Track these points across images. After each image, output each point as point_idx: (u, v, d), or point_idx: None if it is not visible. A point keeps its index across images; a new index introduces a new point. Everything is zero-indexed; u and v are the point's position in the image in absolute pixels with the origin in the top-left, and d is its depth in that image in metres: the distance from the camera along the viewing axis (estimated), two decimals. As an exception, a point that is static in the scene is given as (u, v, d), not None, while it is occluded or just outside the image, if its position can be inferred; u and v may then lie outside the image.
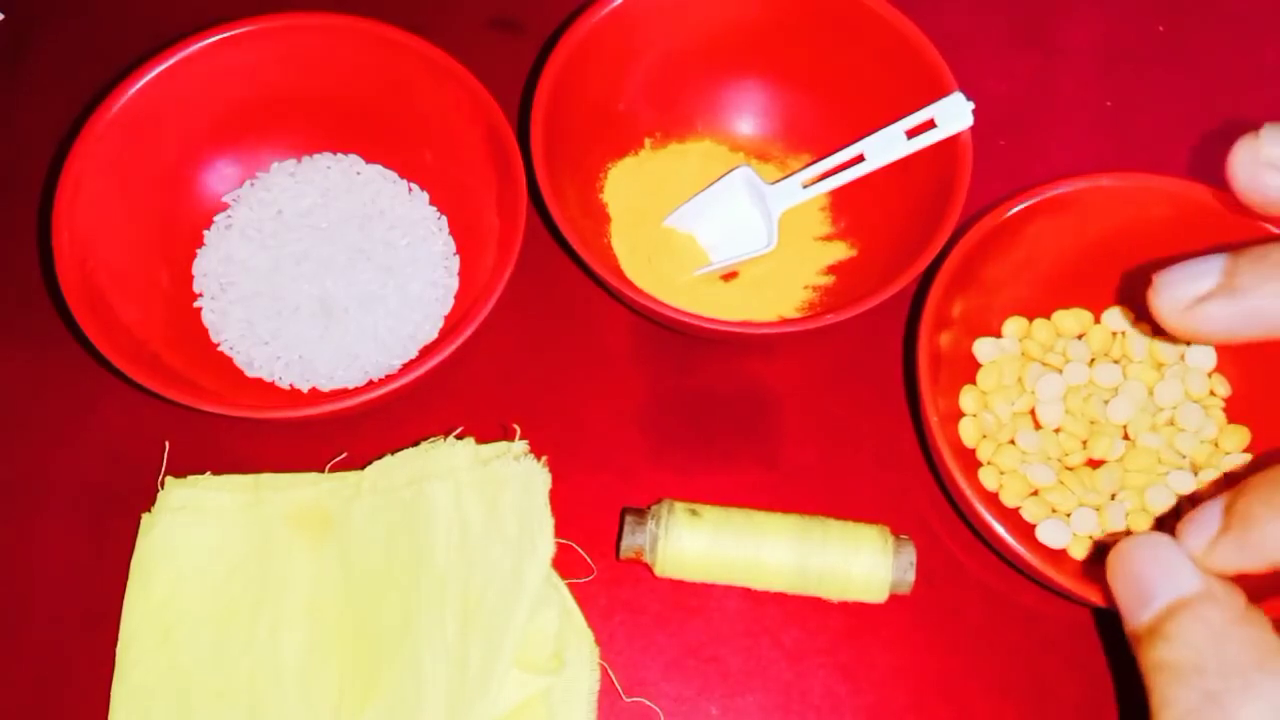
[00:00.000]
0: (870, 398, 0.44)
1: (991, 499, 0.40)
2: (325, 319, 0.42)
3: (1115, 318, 0.43)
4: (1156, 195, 0.40)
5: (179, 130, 0.42)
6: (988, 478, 0.41)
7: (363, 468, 0.41)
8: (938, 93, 0.41)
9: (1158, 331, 0.43)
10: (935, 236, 0.39)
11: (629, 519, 0.39)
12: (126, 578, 0.39)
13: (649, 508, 0.40)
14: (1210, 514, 0.27)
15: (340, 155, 0.45)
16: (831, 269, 0.45)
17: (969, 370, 0.43)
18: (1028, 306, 0.43)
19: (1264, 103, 0.50)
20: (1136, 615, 0.28)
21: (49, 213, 0.38)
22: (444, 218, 0.45)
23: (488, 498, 0.38)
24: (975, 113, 0.41)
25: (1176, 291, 0.27)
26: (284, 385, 0.42)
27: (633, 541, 0.39)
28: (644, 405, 0.43)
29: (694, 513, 0.39)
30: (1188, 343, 0.28)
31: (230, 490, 0.40)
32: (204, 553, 0.39)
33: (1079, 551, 0.40)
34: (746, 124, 0.47)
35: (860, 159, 0.43)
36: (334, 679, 0.37)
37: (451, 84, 0.41)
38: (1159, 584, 0.27)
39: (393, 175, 0.45)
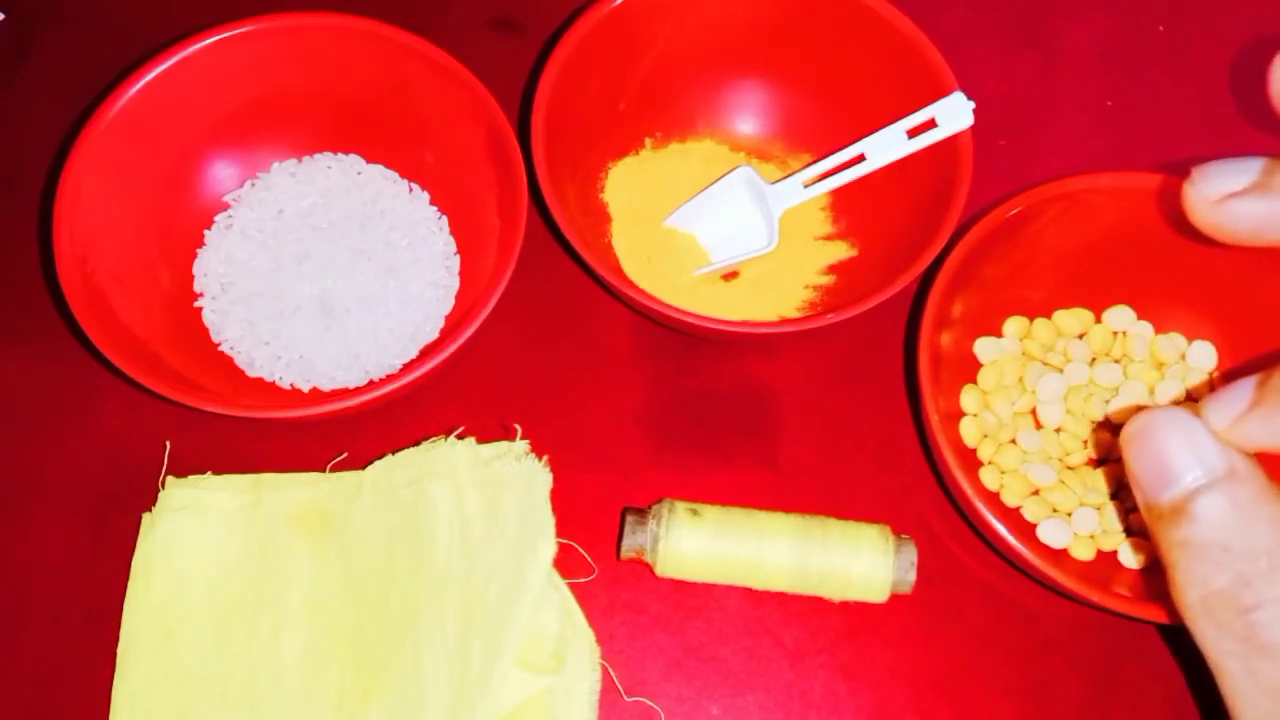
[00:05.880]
0: (871, 397, 0.44)
1: (992, 498, 0.40)
2: (326, 319, 0.42)
3: (1116, 317, 0.43)
4: (1156, 195, 0.40)
5: (179, 130, 0.42)
6: (989, 477, 0.41)
7: (363, 468, 0.41)
8: (938, 93, 0.41)
9: (1159, 330, 0.43)
10: (936, 236, 0.39)
11: (630, 519, 0.39)
12: (126, 578, 0.39)
13: (650, 507, 0.40)
14: (1240, 390, 0.27)
15: (341, 155, 0.45)
16: (832, 269, 0.45)
17: (970, 370, 0.43)
18: (1028, 306, 0.44)
19: (1264, 103, 0.50)
20: (1158, 493, 0.27)
21: (49, 213, 0.38)
22: (444, 218, 0.45)
23: (488, 498, 0.38)
24: (975, 113, 0.41)
25: (1212, 184, 0.27)
26: (285, 385, 0.42)
27: (633, 541, 0.39)
28: (644, 405, 0.43)
29: (695, 512, 0.39)
30: (1212, 241, 0.27)
31: (231, 490, 0.40)
32: (205, 553, 0.39)
33: (1080, 551, 0.40)
34: (747, 124, 0.47)
35: (861, 159, 0.43)
36: (335, 679, 0.37)
37: (452, 84, 0.41)
38: (1184, 462, 0.27)
39: (393, 175, 0.45)
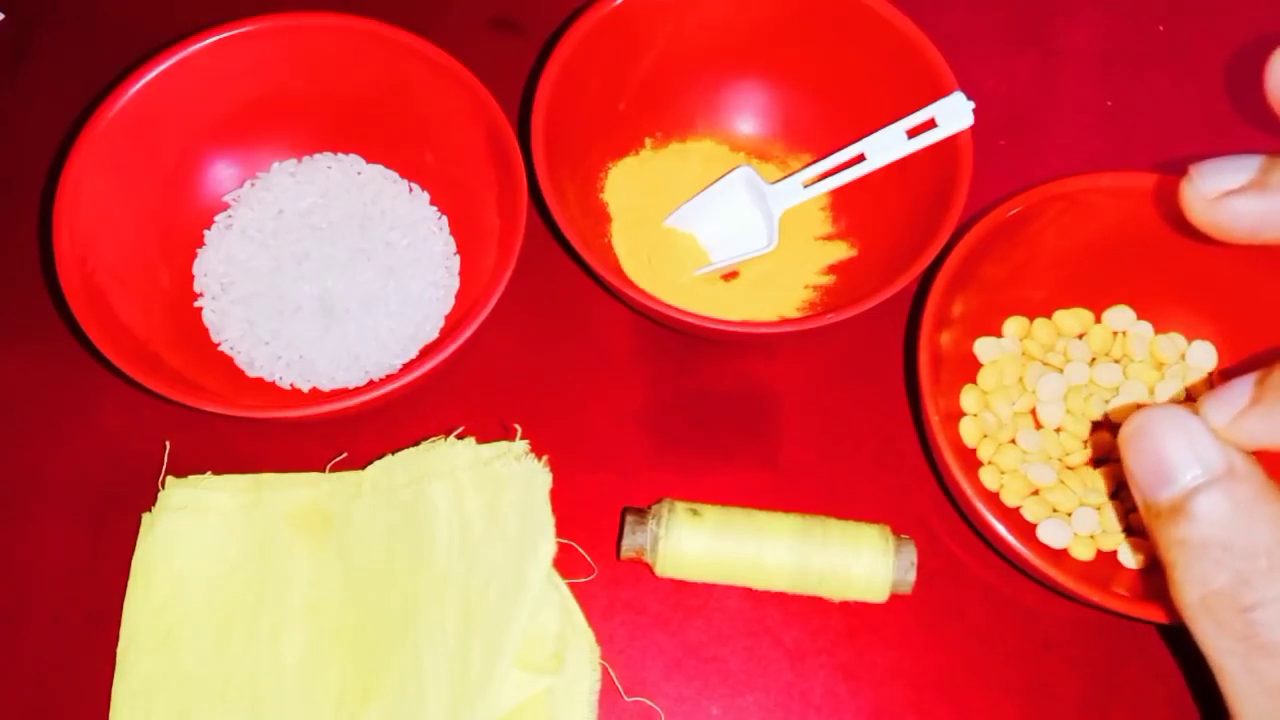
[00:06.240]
0: (871, 397, 0.44)
1: (992, 498, 0.40)
2: (326, 319, 0.42)
3: (1116, 317, 0.43)
4: (1156, 195, 0.40)
5: (179, 130, 0.42)
6: (988, 477, 0.41)
7: (363, 468, 0.41)
8: (938, 93, 0.41)
9: (1159, 330, 0.43)
10: (935, 236, 0.39)
11: (629, 519, 0.39)
12: (126, 578, 0.39)
13: (649, 507, 0.40)
14: (1239, 388, 0.27)
15: (341, 155, 0.45)
16: (832, 269, 0.45)
17: (970, 370, 0.43)
18: (1028, 306, 0.44)
19: (1263, 101, 0.50)
20: (1156, 492, 0.27)
21: (49, 213, 0.38)
22: (444, 218, 0.45)
23: (488, 498, 0.38)
24: (975, 113, 0.41)
25: (1209, 182, 0.27)
26: (285, 385, 0.42)
27: (633, 541, 0.39)
28: (644, 405, 0.43)
29: (695, 512, 0.39)
30: (1210, 239, 0.28)
31: (231, 490, 0.40)
32: (205, 553, 0.39)
33: (1080, 551, 0.40)
34: (747, 124, 0.47)
35: (861, 159, 0.43)
36: (335, 679, 0.37)
37: (452, 84, 0.41)
38: (1182, 461, 0.27)
39: (393, 175, 0.45)
